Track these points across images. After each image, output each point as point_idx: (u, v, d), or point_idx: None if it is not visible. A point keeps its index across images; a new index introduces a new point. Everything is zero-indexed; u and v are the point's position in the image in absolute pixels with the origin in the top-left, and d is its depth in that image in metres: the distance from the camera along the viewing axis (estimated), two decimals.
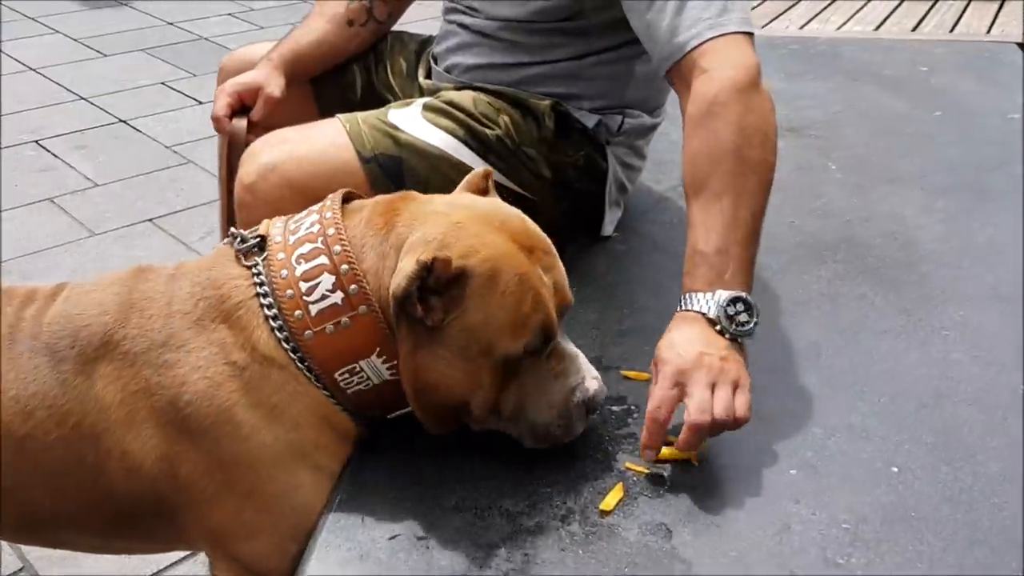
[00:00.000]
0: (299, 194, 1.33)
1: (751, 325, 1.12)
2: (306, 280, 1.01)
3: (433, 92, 1.54)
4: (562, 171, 1.52)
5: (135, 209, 2.71)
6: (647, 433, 1.06)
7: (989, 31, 3.10)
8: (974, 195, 1.80)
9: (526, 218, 1.08)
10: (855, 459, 1.13)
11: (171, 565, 1.67)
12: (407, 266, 0.95)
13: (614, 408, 1.20)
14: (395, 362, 1.01)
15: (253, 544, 1.03)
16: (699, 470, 1.10)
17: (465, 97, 1.48)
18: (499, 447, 1.11)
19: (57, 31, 4.36)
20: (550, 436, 1.07)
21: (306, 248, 1.03)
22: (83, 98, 3.55)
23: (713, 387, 1.06)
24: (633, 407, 1.20)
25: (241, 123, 1.53)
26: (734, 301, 1.12)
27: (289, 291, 1.01)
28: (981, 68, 2.62)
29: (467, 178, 1.14)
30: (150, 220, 2.64)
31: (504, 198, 1.50)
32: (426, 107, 1.47)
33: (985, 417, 1.21)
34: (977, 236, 1.66)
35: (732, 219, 1.15)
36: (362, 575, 0.96)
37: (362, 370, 1.02)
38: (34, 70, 3.85)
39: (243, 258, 1.06)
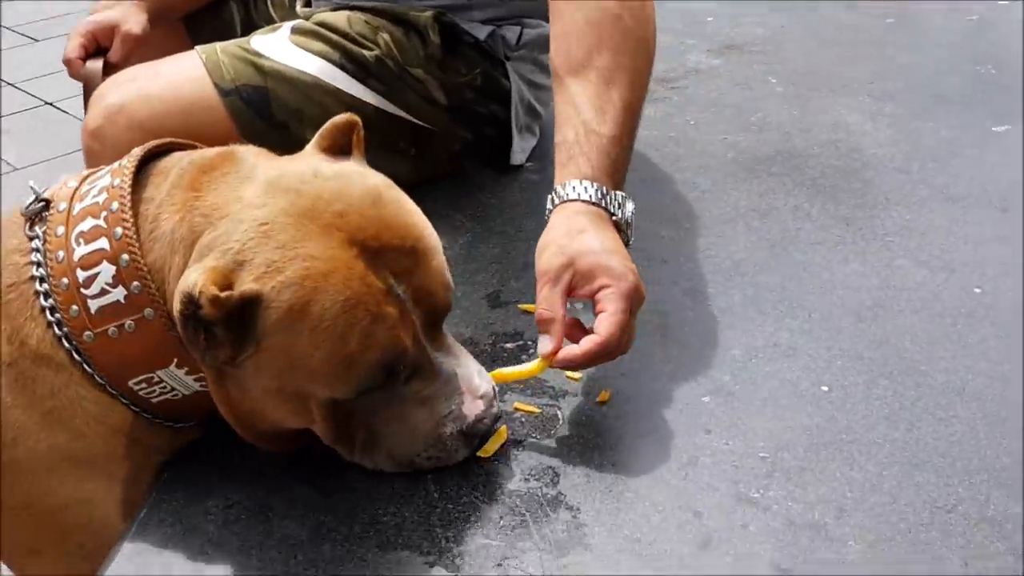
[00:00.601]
0: (151, 137, 1.16)
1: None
2: (84, 268, 0.81)
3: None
4: (457, 93, 1.35)
5: None
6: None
7: None
8: (927, 99, 1.64)
9: (385, 197, 0.82)
10: (779, 380, 0.98)
11: None
12: (181, 288, 0.74)
13: (507, 345, 1.05)
14: (202, 374, 0.82)
15: (38, 562, 0.89)
16: (597, 404, 0.95)
17: (339, 17, 1.32)
18: None
19: None
20: (419, 466, 0.86)
21: (87, 225, 0.82)
22: (10, 84, 3.39)
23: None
24: (529, 342, 1.05)
25: (96, 65, 1.37)
26: (633, 208, 0.98)
27: (65, 280, 0.81)
28: None
29: (321, 131, 0.89)
30: None
31: (396, 129, 1.36)
32: (295, 30, 1.31)
33: (932, 326, 1.06)
34: (928, 139, 1.50)
35: (622, 105, 0.99)
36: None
37: (162, 380, 0.82)
38: None
39: (30, 225, 0.86)
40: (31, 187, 0.89)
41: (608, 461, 0.88)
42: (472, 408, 0.84)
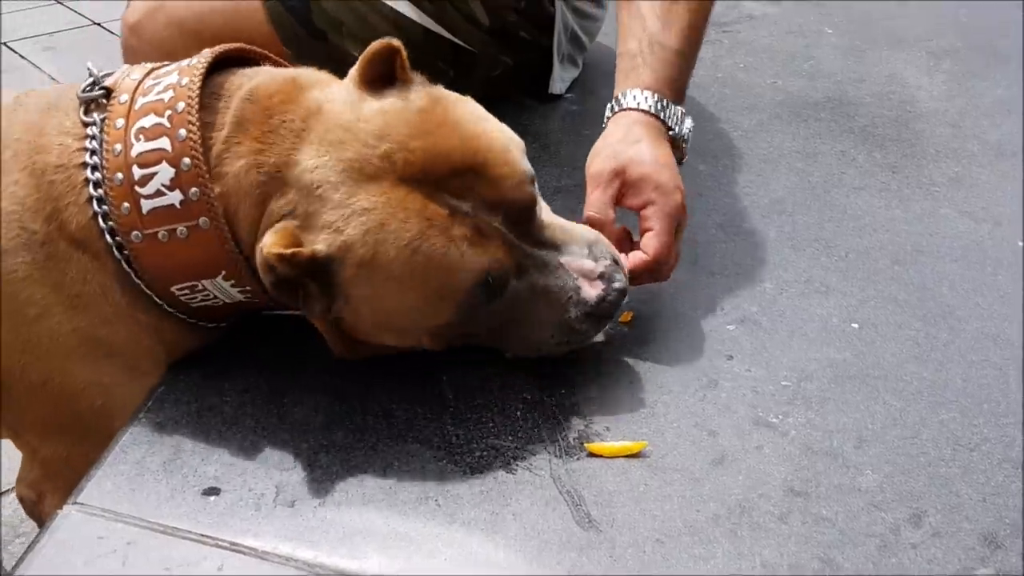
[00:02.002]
0: (191, 37, 1.15)
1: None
2: (141, 166, 0.78)
3: None
4: (500, 15, 1.33)
5: None
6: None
7: None
8: (985, 56, 1.59)
9: (428, 125, 0.78)
10: (808, 314, 0.96)
11: None
12: (261, 253, 0.74)
13: None
14: (249, 288, 0.80)
15: (50, 443, 0.89)
16: (619, 323, 0.94)
17: None
18: None
19: None
20: (548, 351, 0.85)
21: (149, 121, 0.79)
22: (58, 1, 3.41)
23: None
24: None
25: None
26: (692, 126, 0.98)
27: (119, 175, 0.79)
28: None
29: (361, 61, 0.83)
30: None
31: (435, 48, 1.34)
32: None
33: (971, 273, 1.03)
34: (984, 97, 1.45)
35: (689, 20, 0.98)
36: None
37: (206, 289, 0.81)
38: None
39: (85, 110, 0.83)
40: (89, 69, 0.85)
41: (626, 378, 0.87)
42: (591, 291, 0.81)
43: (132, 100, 0.82)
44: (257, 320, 0.93)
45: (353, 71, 0.84)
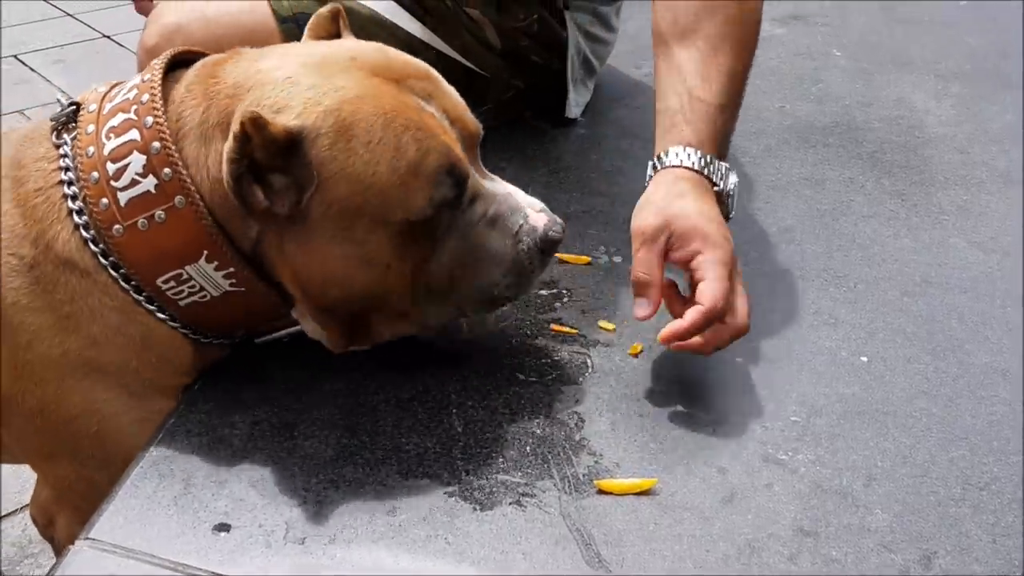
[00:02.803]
0: None
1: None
2: (114, 160, 0.81)
3: None
4: (512, 38, 1.33)
5: None
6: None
7: None
8: (994, 81, 1.59)
9: (386, 48, 0.86)
10: (817, 347, 0.96)
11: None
12: (227, 148, 0.75)
13: (542, 292, 1.04)
14: (232, 269, 0.81)
15: (55, 467, 0.90)
16: (629, 356, 0.94)
17: None
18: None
19: None
20: (501, 299, 0.87)
21: (117, 120, 0.82)
22: (68, 14, 3.43)
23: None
24: (564, 291, 1.04)
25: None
26: (737, 181, 0.96)
27: (95, 173, 0.81)
28: None
29: (310, 24, 0.92)
30: None
31: (448, 71, 1.33)
32: None
33: (980, 306, 1.03)
34: (993, 122, 1.45)
35: (730, 75, 0.97)
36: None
37: (191, 277, 0.82)
38: None
39: (57, 133, 0.86)
40: (58, 99, 0.89)
41: (635, 412, 0.87)
42: (538, 220, 0.84)
43: (100, 107, 0.85)
44: (266, 351, 0.93)
45: (304, 35, 0.92)
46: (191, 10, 1.25)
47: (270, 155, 0.76)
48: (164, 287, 0.82)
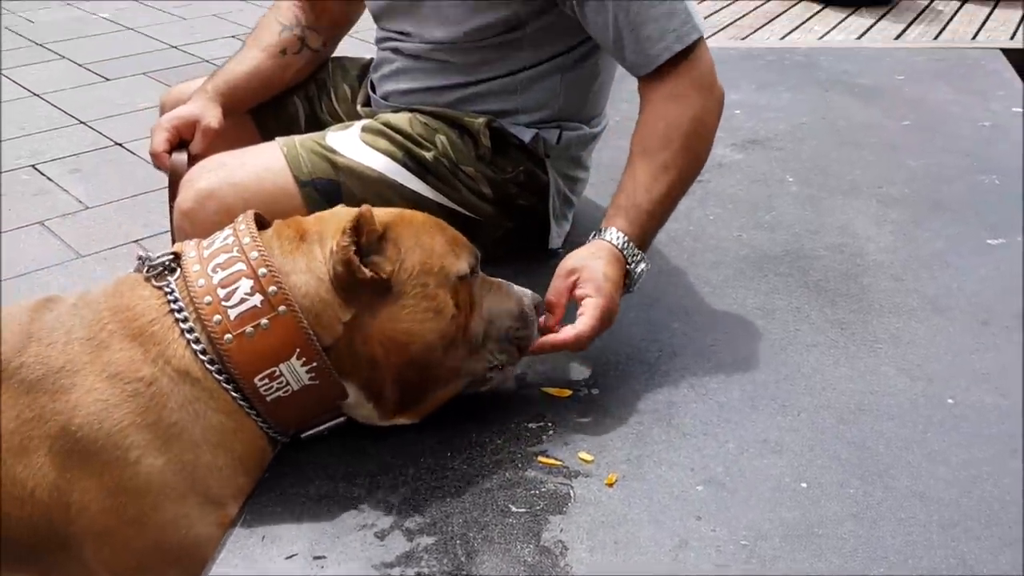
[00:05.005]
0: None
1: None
2: (224, 286, 1.05)
3: (371, 117, 1.56)
4: (503, 188, 1.53)
5: (121, 231, 2.75)
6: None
7: (975, 37, 3.06)
8: (928, 206, 1.79)
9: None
10: (764, 475, 1.13)
11: None
12: (339, 242, 1.04)
13: (530, 425, 1.21)
14: (315, 364, 1.04)
15: None
16: (605, 486, 1.11)
17: (402, 119, 1.50)
18: (407, 460, 1.13)
19: (63, 56, 4.46)
20: (515, 342, 1.19)
21: (222, 258, 1.07)
22: (82, 122, 3.62)
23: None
24: (549, 424, 1.21)
25: (181, 157, 1.54)
26: (646, 268, 1.31)
27: (207, 298, 1.04)
28: (960, 76, 2.61)
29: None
30: (135, 241, 2.69)
31: (447, 219, 1.51)
32: (364, 129, 1.49)
33: (904, 431, 1.20)
34: (924, 248, 1.65)
35: (667, 193, 1.32)
36: None
37: (282, 374, 1.04)
38: (37, 95, 3.93)
39: (154, 280, 1.08)
40: (139, 256, 1.12)
41: (611, 539, 1.03)
42: (525, 290, 1.22)
43: (199, 253, 1.10)
44: (299, 483, 1.10)
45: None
46: (221, 177, 1.42)
47: (371, 240, 1.05)
48: (259, 384, 1.03)
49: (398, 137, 1.48)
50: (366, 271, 1.05)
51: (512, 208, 1.57)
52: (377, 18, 1.59)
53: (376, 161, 1.46)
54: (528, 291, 1.22)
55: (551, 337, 1.21)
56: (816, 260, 1.61)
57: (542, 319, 1.23)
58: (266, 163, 1.45)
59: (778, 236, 1.69)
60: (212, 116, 1.56)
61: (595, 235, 1.30)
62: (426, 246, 1.10)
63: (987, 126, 2.19)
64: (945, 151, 2.04)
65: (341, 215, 1.12)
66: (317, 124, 1.67)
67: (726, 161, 2.01)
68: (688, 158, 1.34)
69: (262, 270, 1.05)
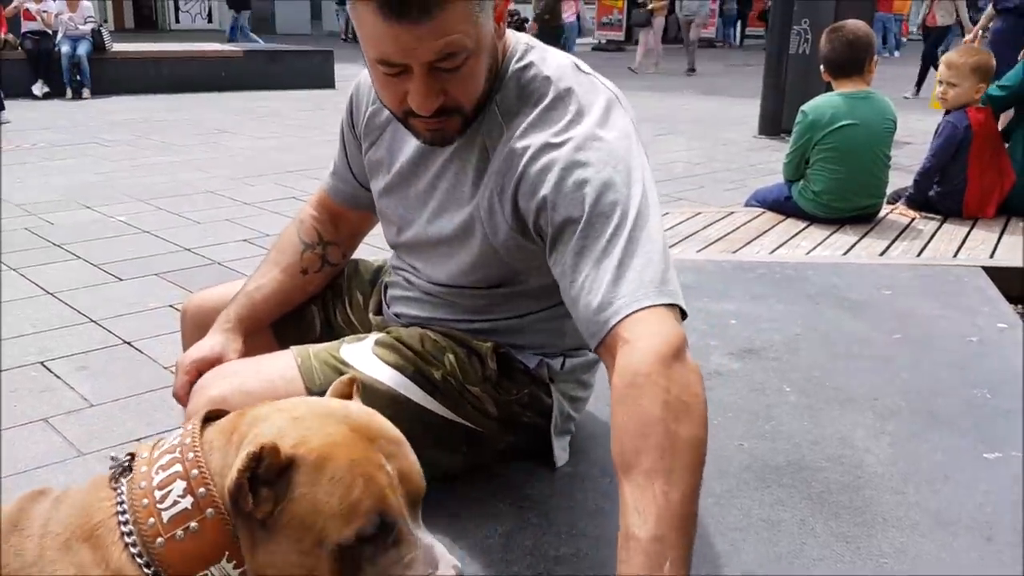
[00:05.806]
0: (245, 397, 1.37)
1: None
2: (160, 488, 1.05)
3: (383, 328, 1.62)
4: (507, 407, 1.56)
5: (124, 429, 2.76)
6: None
7: (956, 255, 3.22)
8: (924, 419, 1.83)
9: (375, 413, 1.11)
10: None
11: None
12: (239, 460, 0.99)
13: None
14: (244, 568, 1.02)
15: None
16: None
17: (413, 335, 1.55)
18: None
19: (79, 257, 4.63)
20: None
21: (165, 459, 1.08)
22: (93, 320, 3.71)
23: None
24: None
25: None
26: None
27: (144, 500, 1.05)
28: (945, 291, 2.73)
29: (332, 385, 1.17)
30: (137, 440, 2.70)
31: (452, 433, 1.55)
32: (377, 343, 1.54)
33: None
34: (924, 461, 1.67)
35: (665, 503, 1.07)
36: None
37: None
38: (51, 294, 4.05)
39: (112, 481, 1.10)
40: (111, 457, 1.12)
41: None
42: (445, 572, 1.03)
43: (151, 454, 1.10)
44: None
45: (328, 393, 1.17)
46: (234, 385, 1.45)
47: (268, 472, 0.99)
48: None
49: (409, 353, 1.52)
50: (249, 502, 0.99)
51: (516, 424, 1.59)
52: (392, 246, 1.68)
53: (387, 375, 1.50)
54: (445, 570, 1.04)
55: None
56: (818, 471, 1.63)
57: None
58: (280, 372, 1.49)
59: (779, 446, 1.72)
60: (233, 351, 1.60)
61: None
62: (318, 501, 0.99)
63: (974, 341, 2.27)
64: (936, 365, 2.11)
65: (273, 419, 1.05)
66: (331, 329, 1.74)
67: (724, 370, 2.07)
68: (675, 450, 1.11)
69: (194, 471, 1.05)
